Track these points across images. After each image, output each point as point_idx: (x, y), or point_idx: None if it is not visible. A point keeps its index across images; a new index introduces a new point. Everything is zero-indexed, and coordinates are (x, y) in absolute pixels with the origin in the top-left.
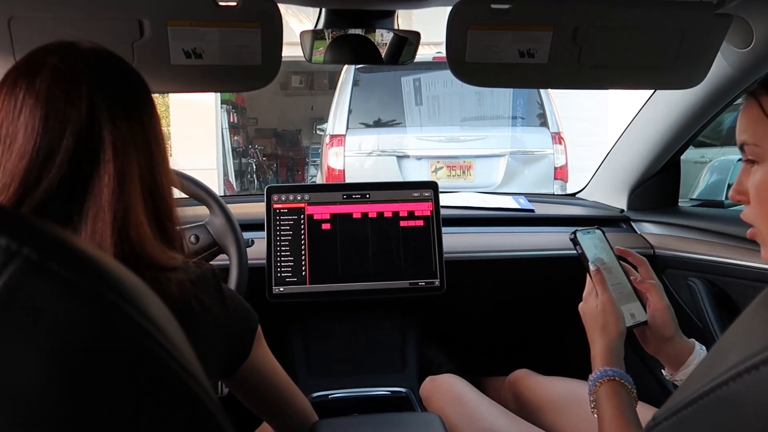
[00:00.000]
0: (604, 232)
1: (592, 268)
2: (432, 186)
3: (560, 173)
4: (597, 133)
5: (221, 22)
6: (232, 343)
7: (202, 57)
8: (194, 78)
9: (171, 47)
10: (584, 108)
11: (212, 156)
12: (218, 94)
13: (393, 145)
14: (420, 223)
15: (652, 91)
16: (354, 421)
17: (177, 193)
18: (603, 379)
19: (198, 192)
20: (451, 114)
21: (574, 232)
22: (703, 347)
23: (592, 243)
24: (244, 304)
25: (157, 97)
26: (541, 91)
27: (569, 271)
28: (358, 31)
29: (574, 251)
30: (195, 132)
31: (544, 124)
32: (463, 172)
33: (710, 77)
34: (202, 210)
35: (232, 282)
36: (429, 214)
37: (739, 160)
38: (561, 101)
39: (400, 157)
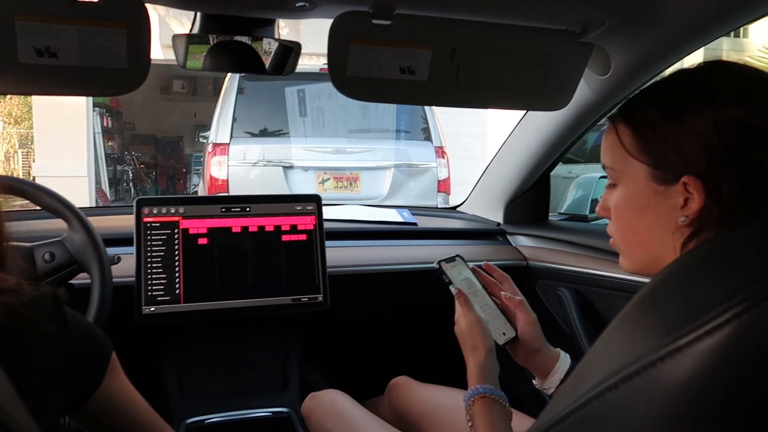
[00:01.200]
0: (464, 259)
1: (453, 291)
2: (315, 199)
3: (443, 186)
4: (477, 148)
5: (79, 20)
6: (77, 374)
7: (57, 56)
8: (48, 79)
9: (19, 43)
10: (465, 123)
11: (83, 162)
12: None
13: (279, 155)
14: (303, 237)
15: (524, 111)
16: None
17: (28, 206)
18: (476, 396)
19: (52, 204)
20: (337, 126)
21: (439, 263)
22: (567, 355)
23: (456, 270)
24: (94, 330)
25: (18, 98)
26: (426, 107)
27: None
28: (243, 39)
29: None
30: (63, 136)
31: (427, 138)
32: (350, 184)
33: (575, 101)
34: (59, 224)
35: (94, 303)
36: (312, 228)
37: (602, 177)
38: (443, 117)
39: (286, 168)
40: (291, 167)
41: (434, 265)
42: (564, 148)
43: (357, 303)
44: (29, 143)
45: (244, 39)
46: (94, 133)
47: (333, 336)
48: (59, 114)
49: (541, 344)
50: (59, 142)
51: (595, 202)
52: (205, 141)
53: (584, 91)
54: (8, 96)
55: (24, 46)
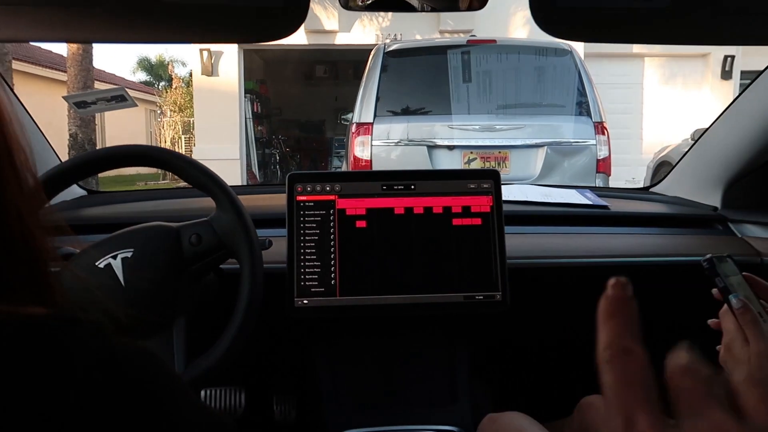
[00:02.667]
0: (735, 263)
1: (735, 303)
2: (492, 175)
3: (603, 166)
4: (632, 125)
5: None
6: None
7: None
8: (196, 23)
9: None
10: (620, 99)
11: (236, 146)
12: (242, 83)
13: (423, 134)
14: (477, 221)
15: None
16: None
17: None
18: None
19: (202, 179)
20: (488, 101)
21: (711, 259)
22: None
23: (731, 273)
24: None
25: (182, 87)
26: (584, 76)
27: (658, 282)
28: None
29: (663, 258)
30: (219, 122)
31: (585, 112)
32: (499, 164)
33: None
34: (207, 202)
35: (243, 294)
36: (488, 210)
37: None
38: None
39: (430, 147)
40: (435, 146)
41: (702, 262)
42: None
43: (537, 304)
44: (191, 129)
45: None
46: (246, 119)
47: (504, 342)
48: (216, 101)
49: None
50: (216, 127)
51: None
52: (347, 123)
53: None
54: (174, 86)
55: None
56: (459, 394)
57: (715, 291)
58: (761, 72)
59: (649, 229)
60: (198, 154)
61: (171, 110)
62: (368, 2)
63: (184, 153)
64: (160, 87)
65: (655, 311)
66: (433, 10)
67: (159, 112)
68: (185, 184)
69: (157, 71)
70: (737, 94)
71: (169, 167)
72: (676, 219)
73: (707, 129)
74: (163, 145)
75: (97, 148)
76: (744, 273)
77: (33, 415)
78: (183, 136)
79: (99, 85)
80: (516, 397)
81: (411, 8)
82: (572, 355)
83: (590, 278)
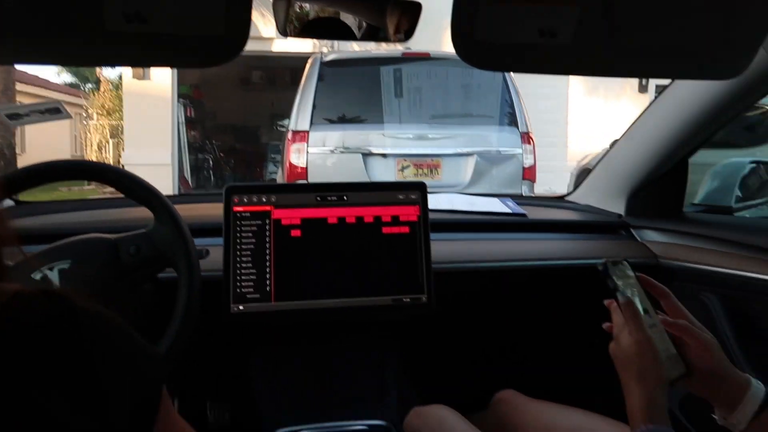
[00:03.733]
0: (630, 266)
1: (621, 299)
2: (419, 187)
3: (528, 173)
4: (557, 134)
5: None
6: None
7: (147, 22)
8: (136, 49)
9: (106, 8)
10: (544, 109)
11: (167, 151)
12: (176, 87)
13: (358, 142)
14: (405, 229)
15: (668, 82)
16: None
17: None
18: None
19: (140, 193)
20: (420, 111)
21: (605, 263)
22: (760, 383)
23: (623, 277)
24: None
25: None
26: (511, 88)
27: (569, 283)
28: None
29: (571, 261)
30: (149, 126)
31: (512, 123)
32: (431, 171)
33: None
34: (144, 213)
35: (181, 302)
36: (416, 219)
37: (755, 161)
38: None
39: (365, 155)
40: (370, 154)
41: (598, 266)
42: (716, 128)
43: (461, 304)
44: (120, 133)
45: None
46: (178, 123)
47: (430, 340)
48: (147, 105)
49: (724, 371)
50: (146, 132)
51: (741, 191)
52: (283, 129)
53: (760, 54)
54: (102, 89)
55: (111, 10)
56: (387, 390)
57: (606, 301)
58: (660, 92)
59: (562, 235)
60: (127, 159)
61: (98, 114)
62: (303, 31)
63: (111, 157)
64: (86, 89)
65: (565, 308)
66: (363, 39)
67: (85, 115)
68: (110, 189)
69: (84, 73)
70: (646, 107)
71: (107, 180)
72: (585, 226)
73: (615, 141)
74: (89, 150)
75: (17, 152)
76: (638, 274)
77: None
78: (111, 140)
79: (21, 87)
80: (440, 392)
81: (344, 37)
82: (491, 352)
83: (509, 281)
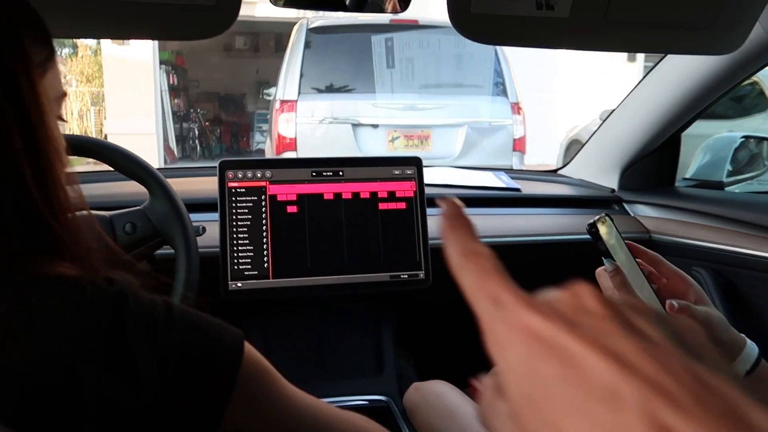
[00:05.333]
0: (613, 221)
1: (608, 267)
2: (415, 162)
3: (518, 145)
4: (545, 104)
5: None
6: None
7: None
8: (128, 20)
9: None
10: (532, 78)
11: (151, 120)
12: (157, 53)
13: (348, 112)
14: (402, 205)
15: (660, 57)
16: None
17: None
18: None
19: (133, 169)
20: (410, 80)
21: (594, 223)
22: (755, 344)
23: (608, 236)
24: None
25: (89, 56)
26: (501, 58)
27: (564, 257)
28: None
29: (565, 237)
30: (131, 94)
31: (503, 93)
32: (421, 142)
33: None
34: (135, 187)
35: (180, 280)
36: (412, 195)
37: (746, 136)
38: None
39: (355, 126)
40: (360, 125)
41: (586, 227)
42: (710, 102)
43: (453, 280)
44: (101, 101)
45: None
46: (161, 91)
47: (427, 316)
48: (128, 72)
49: (721, 334)
50: (129, 99)
51: (733, 166)
52: (269, 98)
53: (756, 29)
54: (79, 54)
55: None
56: (385, 366)
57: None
58: (654, 65)
59: (556, 209)
60: (110, 128)
61: (77, 80)
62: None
63: (93, 125)
64: (63, 55)
65: (560, 282)
66: (356, 10)
67: (64, 82)
68: (100, 164)
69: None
70: (640, 79)
71: (98, 156)
72: (579, 200)
73: (609, 115)
74: (69, 118)
75: None
76: (628, 241)
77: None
78: (92, 108)
79: None
80: (438, 367)
81: (335, 8)
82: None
83: (504, 256)
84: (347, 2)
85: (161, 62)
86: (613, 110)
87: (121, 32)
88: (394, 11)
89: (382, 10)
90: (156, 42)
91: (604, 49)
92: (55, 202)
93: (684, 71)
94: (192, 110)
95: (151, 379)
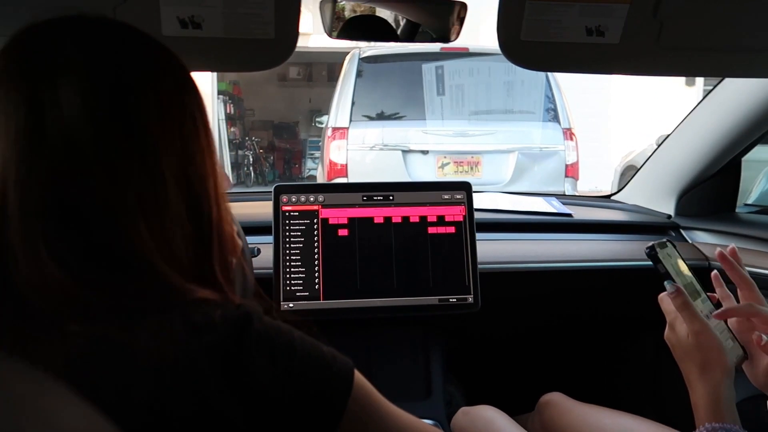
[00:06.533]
0: (675, 246)
1: (669, 288)
2: (465, 187)
3: (571, 171)
4: (600, 130)
5: None
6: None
7: (202, 27)
8: (191, 54)
9: (163, 13)
10: (586, 104)
11: None
12: (215, 84)
13: (398, 139)
14: (451, 229)
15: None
16: None
17: None
18: None
19: None
20: (460, 107)
21: (653, 247)
22: None
23: (669, 260)
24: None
25: None
26: (552, 84)
27: (618, 284)
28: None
29: (620, 263)
30: None
31: (554, 119)
32: (471, 168)
33: None
34: None
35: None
36: (461, 219)
37: None
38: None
39: (405, 152)
40: (409, 151)
41: (645, 250)
42: None
43: (506, 305)
44: None
45: (401, 4)
46: (218, 120)
47: (475, 341)
48: None
49: None
50: None
51: None
52: (321, 126)
53: None
54: None
55: (167, 16)
56: (433, 389)
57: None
58: (712, 89)
59: (609, 235)
60: None
61: None
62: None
63: None
64: None
65: (613, 310)
66: (407, 40)
67: None
68: None
69: None
70: (697, 103)
71: None
72: (634, 226)
73: (664, 140)
74: None
75: None
76: (715, 271)
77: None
78: None
79: None
80: (486, 392)
81: (388, 38)
82: (538, 354)
83: (555, 282)
84: (399, 33)
85: (219, 92)
86: (669, 134)
87: (190, 65)
88: (455, 39)
89: (433, 40)
90: (215, 73)
91: (658, 74)
92: (224, 241)
93: (742, 95)
94: (247, 138)
95: (266, 401)
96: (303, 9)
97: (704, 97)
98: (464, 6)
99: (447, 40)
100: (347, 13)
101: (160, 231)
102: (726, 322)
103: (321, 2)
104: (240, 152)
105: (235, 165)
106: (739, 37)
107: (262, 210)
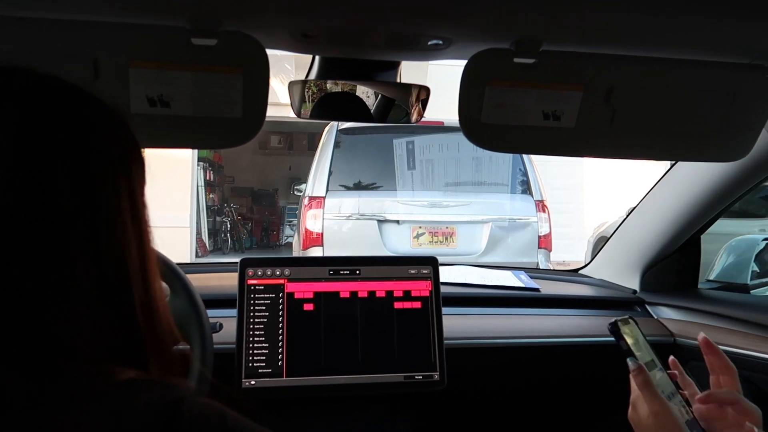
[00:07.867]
0: (637, 323)
1: (632, 366)
2: (431, 262)
3: (544, 242)
4: (573, 201)
5: (195, 65)
6: None
7: (170, 106)
8: (159, 131)
9: (132, 92)
10: (559, 176)
11: (186, 214)
12: (195, 152)
13: (374, 209)
14: (417, 304)
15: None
16: None
17: None
18: None
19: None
20: (433, 179)
21: (615, 323)
22: None
23: (632, 337)
24: None
25: None
26: (525, 157)
27: (584, 359)
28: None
29: (585, 339)
30: (169, 190)
31: (527, 191)
32: (446, 239)
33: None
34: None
35: (193, 375)
36: (428, 294)
37: (766, 239)
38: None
39: (380, 222)
40: (385, 221)
41: (608, 326)
42: (726, 205)
43: (474, 381)
44: None
45: (364, 84)
46: (198, 186)
47: (443, 416)
48: (167, 167)
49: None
50: (166, 194)
51: (759, 267)
52: (299, 194)
53: (764, 137)
54: None
55: (136, 95)
56: None
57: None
58: (669, 168)
59: (576, 310)
60: None
61: None
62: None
63: None
64: None
65: (580, 384)
66: (380, 121)
67: None
68: None
69: None
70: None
71: None
72: (600, 302)
73: (626, 216)
74: None
75: None
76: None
77: None
78: None
79: None
80: None
81: (358, 119)
82: (505, 428)
83: (522, 357)
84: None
85: (199, 159)
86: (630, 211)
87: (156, 142)
88: (417, 120)
89: (406, 120)
90: None
91: (612, 157)
92: (155, 321)
93: (697, 175)
94: (226, 204)
95: None
96: (286, 81)
97: (661, 177)
98: (424, 88)
99: (408, 121)
100: (314, 96)
101: (67, 314)
102: (689, 402)
103: (290, 84)
104: (218, 218)
105: (213, 231)
106: (688, 123)
107: (227, 282)
